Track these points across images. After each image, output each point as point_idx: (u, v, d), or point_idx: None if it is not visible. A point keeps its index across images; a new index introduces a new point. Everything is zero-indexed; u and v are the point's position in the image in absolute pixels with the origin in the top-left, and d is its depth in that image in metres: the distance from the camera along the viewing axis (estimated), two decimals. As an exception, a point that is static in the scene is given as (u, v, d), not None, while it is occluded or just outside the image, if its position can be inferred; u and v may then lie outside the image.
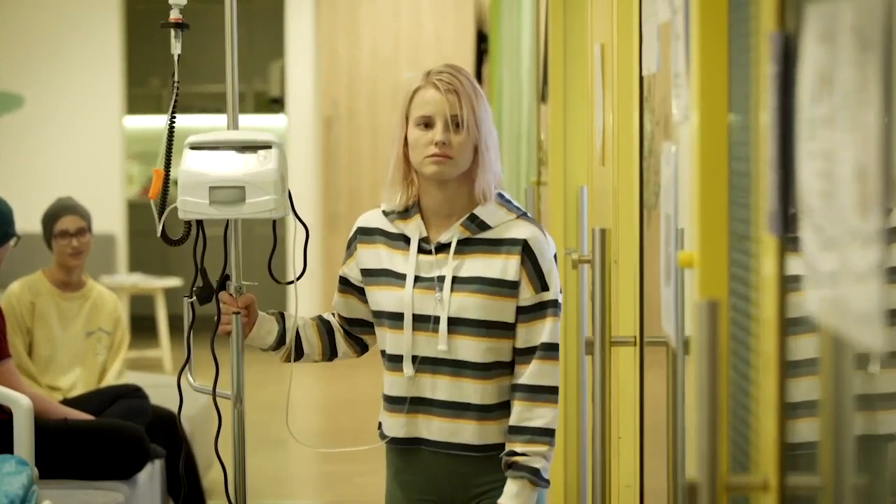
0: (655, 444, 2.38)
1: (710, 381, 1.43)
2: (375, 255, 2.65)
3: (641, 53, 2.41)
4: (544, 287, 2.57)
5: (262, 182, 2.64)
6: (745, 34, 1.58)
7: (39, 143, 9.28)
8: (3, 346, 4.11)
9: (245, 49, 11.20)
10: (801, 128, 1.27)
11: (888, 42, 1.06)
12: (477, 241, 2.58)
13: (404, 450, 2.63)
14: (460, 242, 2.58)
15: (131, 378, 4.95)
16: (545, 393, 2.56)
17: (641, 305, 2.55)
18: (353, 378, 7.94)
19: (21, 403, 3.55)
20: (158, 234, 2.70)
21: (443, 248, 2.59)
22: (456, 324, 2.56)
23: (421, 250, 2.60)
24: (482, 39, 9.22)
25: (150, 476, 4.51)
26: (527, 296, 2.56)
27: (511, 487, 2.53)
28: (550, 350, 2.57)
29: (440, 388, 2.57)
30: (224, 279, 2.70)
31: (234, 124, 2.77)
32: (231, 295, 2.70)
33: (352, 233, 2.71)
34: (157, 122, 10.49)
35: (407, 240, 2.62)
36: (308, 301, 8.94)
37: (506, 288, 2.56)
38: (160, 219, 2.68)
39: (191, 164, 2.65)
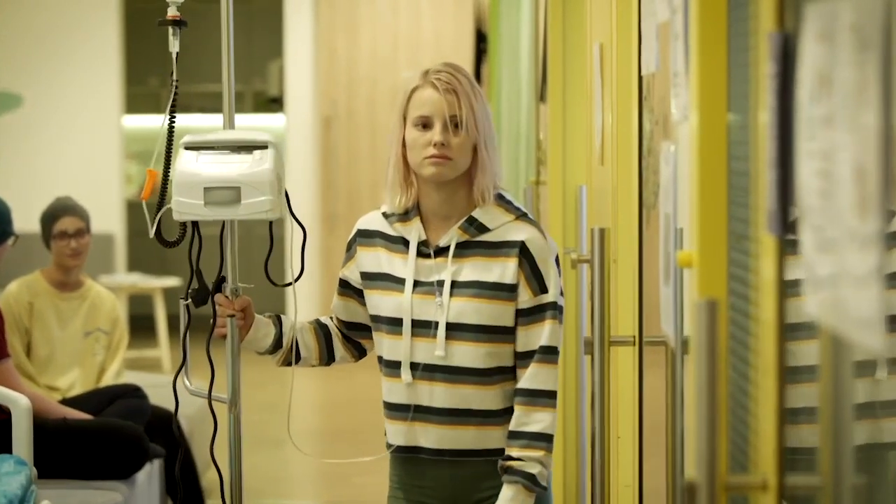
0: (654, 444, 2.37)
1: (708, 381, 1.43)
2: (375, 259, 2.60)
3: (640, 53, 2.40)
4: (542, 289, 2.52)
5: (257, 183, 2.60)
6: (744, 34, 1.58)
7: (38, 142, 9.28)
8: (1, 346, 4.11)
9: (244, 48, 11.19)
10: (801, 127, 1.26)
11: (887, 41, 1.06)
12: (476, 244, 2.54)
13: (406, 458, 2.59)
14: (459, 245, 2.54)
15: (130, 378, 4.95)
16: (543, 397, 2.51)
17: (640, 305, 2.55)
18: (353, 378, 7.93)
19: (20, 403, 3.55)
20: (151, 235, 2.66)
21: (441, 251, 2.55)
22: (455, 329, 2.51)
23: (420, 254, 2.55)
24: (481, 39, 9.22)
25: (149, 476, 4.51)
26: (525, 298, 2.52)
27: (506, 492, 2.49)
28: (548, 353, 2.52)
29: (438, 395, 2.53)
30: (220, 281, 2.67)
31: (229, 124, 2.74)
32: (227, 297, 2.66)
33: (352, 235, 2.67)
34: (155, 122, 10.48)
35: (406, 243, 2.57)
36: (307, 302, 8.93)
37: (504, 291, 2.51)
38: (156, 219, 2.64)
39: (185, 165, 2.62)
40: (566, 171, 4.21)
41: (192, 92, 10.57)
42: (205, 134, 2.66)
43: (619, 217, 2.78)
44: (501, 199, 2.57)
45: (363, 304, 2.65)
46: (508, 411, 2.54)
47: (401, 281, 2.55)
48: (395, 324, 2.55)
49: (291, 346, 2.66)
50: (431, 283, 2.53)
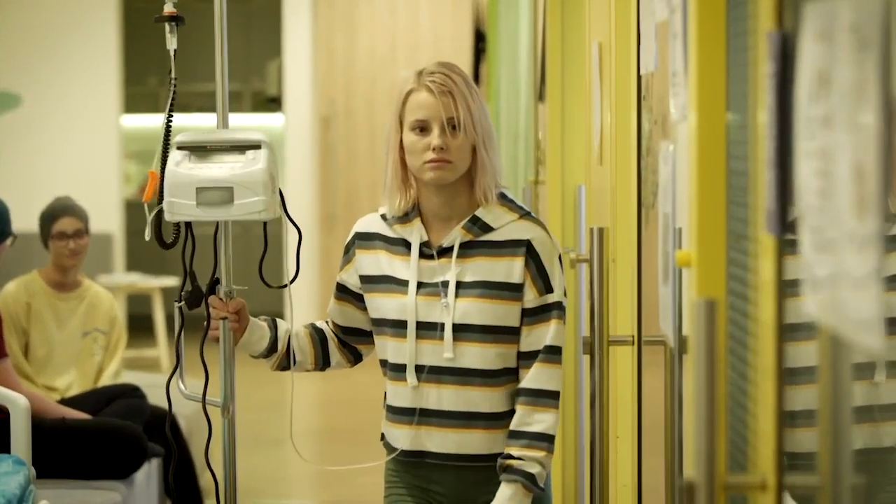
0: (653, 444, 2.37)
1: (707, 381, 1.43)
2: (375, 261, 2.57)
3: (639, 52, 2.40)
4: (548, 289, 2.49)
5: (250, 183, 2.56)
6: (743, 33, 1.58)
7: (37, 142, 9.28)
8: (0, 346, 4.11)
9: (242, 48, 11.20)
10: (799, 127, 1.26)
11: (886, 41, 1.05)
12: (480, 243, 2.51)
13: (412, 462, 2.56)
14: (463, 246, 2.51)
15: (129, 378, 4.95)
16: (546, 397, 2.49)
17: (639, 305, 2.55)
18: (352, 377, 7.92)
19: (18, 403, 3.55)
20: (147, 237, 2.61)
21: (445, 252, 2.52)
22: (461, 330, 2.48)
23: (422, 255, 2.52)
24: (480, 38, 9.22)
25: (148, 476, 4.51)
26: (530, 298, 2.49)
27: (504, 491, 2.46)
28: (553, 353, 2.49)
29: (445, 397, 2.50)
30: (214, 283, 2.63)
31: (223, 123, 2.70)
32: (221, 299, 2.62)
33: (349, 238, 2.63)
34: (154, 121, 10.48)
35: (407, 245, 2.54)
36: (305, 304, 8.93)
37: (511, 291, 2.49)
38: (150, 220, 2.60)
39: (177, 165, 2.59)
40: (565, 171, 4.21)
41: (192, 91, 10.56)
42: (198, 133, 2.63)
43: (617, 217, 2.78)
44: (504, 198, 2.55)
45: (361, 308, 2.62)
46: (513, 413, 2.51)
47: (403, 283, 2.52)
48: (399, 326, 2.52)
49: (287, 350, 2.63)
50: (435, 285, 2.51)
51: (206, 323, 2.63)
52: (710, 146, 1.64)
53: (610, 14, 2.83)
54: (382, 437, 2.62)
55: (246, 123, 10.85)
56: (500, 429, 2.51)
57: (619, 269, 2.78)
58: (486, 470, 2.52)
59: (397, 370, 2.53)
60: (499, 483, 2.50)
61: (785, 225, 1.37)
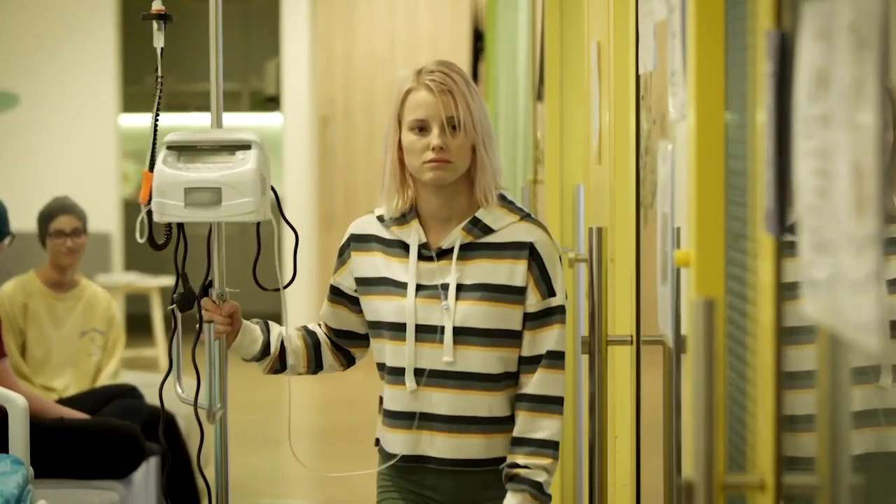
0: (652, 443, 2.37)
1: (706, 380, 1.42)
2: (371, 263, 2.53)
3: (638, 51, 2.40)
4: (551, 293, 2.47)
5: (238, 183, 2.52)
6: (741, 32, 1.57)
7: (35, 141, 9.27)
8: (-2, 346, 4.10)
9: (241, 47, 11.19)
10: (798, 126, 1.26)
11: (885, 40, 1.05)
12: (480, 245, 2.47)
13: (407, 467, 2.53)
14: (463, 247, 2.47)
15: (127, 377, 4.94)
16: (550, 403, 2.46)
17: (638, 304, 2.55)
18: (350, 378, 7.91)
19: (16, 402, 3.55)
20: (138, 238, 2.56)
21: (444, 254, 2.48)
22: (461, 334, 2.45)
23: (421, 257, 2.48)
24: (478, 38, 9.22)
25: (146, 475, 4.51)
26: (532, 301, 2.46)
27: (511, 501, 2.43)
28: (556, 359, 2.46)
29: (444, 401, 2.46)
30: (207, 285, 2.60)
31: (217, 123, 2.67)
32: (214, 301, 2.58)
33: (344, 240, 2.59)
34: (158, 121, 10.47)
35: (405, 246, 2.50)
36: (303, 304, 8.92)
37: (513, 294, 2.45)
38: (139, 221, 2.57)
39: (166, 165, 2.56)
40: (564, 171, 4.21)
41: (190, 91, 10.56)
42: (188, 133, 2.60)
43: (616, 216, 2.77)
44: (504, 200, 2.51)
45: (355, 311, 2.59)
46: (513, 418, 2.48)
47: (402, 285, 2.48)
48: (397, 329, 2.48)
49: (279, 353, 2.60)
50: (435, 287, 2.47)
51: (198, 326, 2.60)
52: (708, 145, 1.64)
53: (608, 13, 2.83)
54: (377, 441, 2.58)
55: (244, 123, 10.85)
56: (500, 433, 2.48)
57: (618, 268, 2.78)
58: (485, 474, 2.49)
59: (395, 374, 2.50)
60: (496, 487, 2.47)
61: (784, 224, 1.36)
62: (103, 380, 4.71)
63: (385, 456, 2.55)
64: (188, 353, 2.65)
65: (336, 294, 2.61)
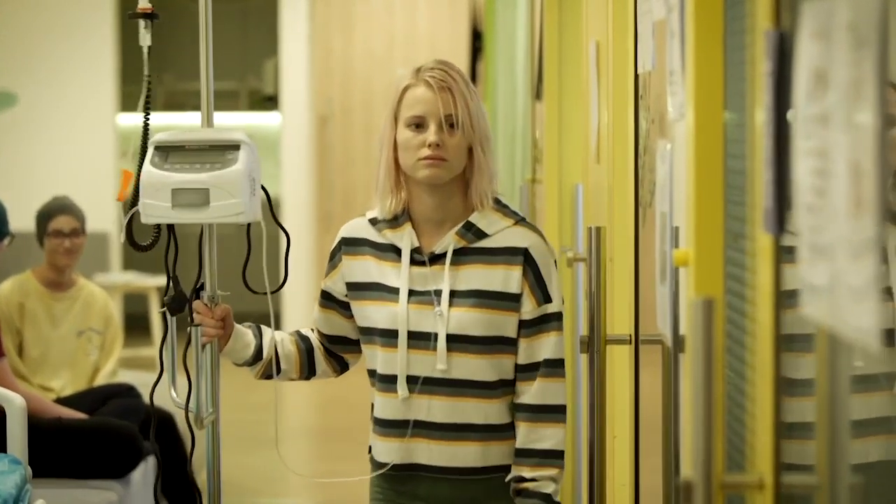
0: (651, 443, 2.37)
1: (704, 380, 1.42)
2: (363, 268, 2.46)
3: (637, 51, 2.40)
4: (547, 299, 2.39)
5: (227, 184, 2.46)
6: (740, 31, 1.57)
7: (33, 141, 9.27)
8: (-4, 345, 4.10)
9: (239, 46, 11.19)
10: (797, 125, 1.26)
11: (883, 39, 1.05)
12: (474, 250, 2.41)
13: (400, 476, 2.45)
14: (456, 252, 2.40)
15: (125, 377, 4.94)
16: (551, 412, 2.39)
17: (636, 304, 2.55)
18: (347, 377, 7.91)
19: (14, 402, 3.54)
20: (121, 238, 2.51)
21: (437, 258, 2.41)
22: (455, 341, 2.38)
23: (413, 262, 2.41)
24: (477, 37, 9.22)
25: (144, 475, 4.50)
26: (528, 308, 2.39)
27: None
28: (555, 367, 2.39)
29: (437, 409, 2.39)
30: (199, 288, 2.54)
31: (208, 122, 2.61)
32: (206, 304, 2.52)
33: (334, 244, 2.53)
34: (150, 120, 10.48)
35: (397, 250, 2.43)
36: (301, 306, 8.91)
37: (508, 301, 2.38)
38: (126, 221, 2.52)
39: (154, 165, 2.51)
40: (562, 170, 4.21)
41: (189, 90, 10.56)
42: (176, 133, 2.55)
43: (615, 215, 2.77)
44: (498, 204, 2.44)
45: (346, 316, 2.52)
46: (511, 426, 2.42)
47: (394, 290, 2.42)
48: (389, 336, 2.41)
49: (271, 358, 2.53)
50: (428, 293, 2.40)
51: (188, 330, 2.53)
52: (707, 145, 1.64)
53: (607, 13, 2.83)
54: (370, 449, 2.52)
55: (242, 122, 10.85)
56: (495, 441, 2.42)
57: (617, 268, 2.78)
58: (481, 483, 2.43)
59: (387, 381, 2.43)
60: (493, 496, 2.42)
61: (782, 224, 1.36)
62: (101, 379, 4.70)
63: (376, 465, 2.49)
64: (181, 355, 2.59)
65: (327, 299, 2.54)
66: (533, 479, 2.38)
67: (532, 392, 2.40)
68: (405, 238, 2.43)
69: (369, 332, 2.45)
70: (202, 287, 2.55)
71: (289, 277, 2.69)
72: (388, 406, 2.43)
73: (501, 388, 2.41)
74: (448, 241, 2.41)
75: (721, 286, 1.63)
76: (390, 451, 2.44)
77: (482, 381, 2.40)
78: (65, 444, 4.24)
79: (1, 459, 3.43)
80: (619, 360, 2.75)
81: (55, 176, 9.07)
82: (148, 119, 2.64)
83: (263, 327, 2.55)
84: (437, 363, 2.38)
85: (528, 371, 2.40)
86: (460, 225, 2.42)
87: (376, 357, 2.44)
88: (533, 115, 5.01)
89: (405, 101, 2.41)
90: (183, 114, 10.15)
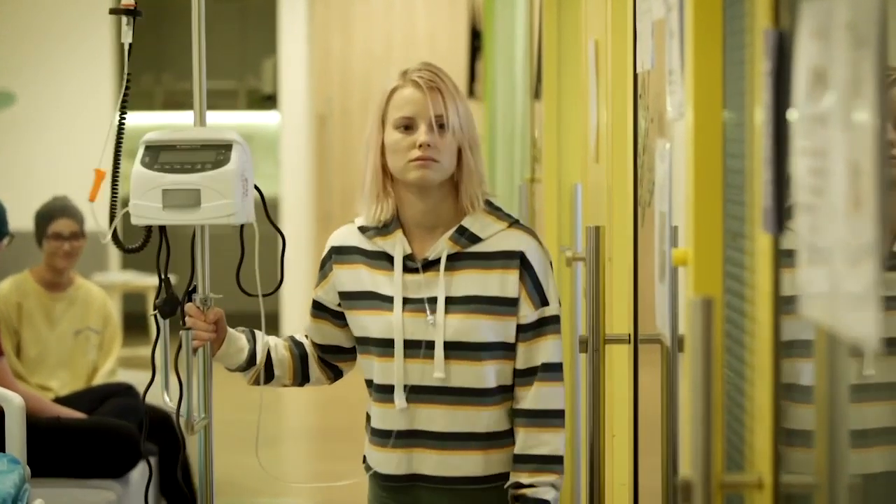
0: (650, 443, 2.37)
1: (703, 379, 1.42)
2: (355, 277, 2.42)
3: (636, 50, 2.40)
4: (544, 302, 2.36)
5: (218, 185, 2.41)
6: (739, 31, 1.57)
7: (31, 140, 9.27)
8: (-5, 345, 4.10)
9: (238, 45, 11.19)
10: (796, 125, 1.26)
11: (882, 38, 1.05)
12: (468, 255, 2.36)
13: (398, 487, 2.41)
14: (449, 258, 2.35)
15: (124, 376, 4.94)
16: (550, 417, 2.36)
17: (635, 303, 2.55)
18: (348, 376, 7.93)
19: (13, 402, 3.54)
20: (107, 238, 2.52)
21: (430, 265, 2.36)
22: (452, 348, 2.33)
23: (406, 269, 2.36)
24: (476, 36, 9.21)
25: (143, 474, 4.50)
26: (526, 312, 2.35)
27: None
28: (553, 371, 2.36)
29: (437, 418, 2.35)
30: (191, 291, 2.50)
31: (201, 121, 2.58)
32: (198, 307, 2.48)
33: (324, 253, 2.48)
34: (149, 119, 10.46)
35: (389, 258, 2.38)
36: (299, 306, 8.89)
37: (505, 306, 2.34)
38: (111, 223, 2.47)
39: (144, 165, 2.47)
40: (561, 169, 4.20)
41: (189, 90, 10.55)
42: (167, 132, 2.50)
43: (614, 215, 2.77)
44: (490, 206, 2.39)
45: (339, 326, 2.47)
46: (512, 433, 2.39)
47: (388, 299, 2.37)
48: (385, 345, 2.36)
49: (264, 364, 2.48)
50: (421, 300, 2.35)
51: (180, 333, 2.49)
52: (706, 144, 1.64)
53: (606, 12, 2.83)
54: (364, 459, 2.48)
55: (240, 122, 10.85)
56: (498, 448, 2.38)
57: (616, 267, 2.78)
58: (483, 492, 2.39)
59: (384, 391, 2.39)
60: None
61: (782, 223, 1.36)
62: (100, 378, 4.70)
63: (372, 475, 2.45)
64: (174, 358, 2.53)
65: (318, 309, 2.50)
66: (531, 486, 2.35)
67: (530, 397, 2.36)
68: (397, 245, 2.38)
69: (365, 342, 2.41)
70: (195, 289, 2.51)
71: (287, 278, 2.66)
72: (386, 416, 2.39)
73: (501, 394, 2.38)
74: (441, 247, 2.36)
75: (720, 286, 1.63)
76: (389, 461, 2.40)
77: (481, 388, 2.36)
78: (63, 444, 4.24)
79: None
80: (618, 359, 2.75)
81: (54, 175, 9.07)
82: (124, 118, 2.58)
83: (257, 332, 2.51)
84: (435, 371, 2.34)
85: (527, 376, 2.37)
86: (453, 230, 2.37)
87: (373, 367, 2.40)
88: (532, 114, 5.01)
89: (393, 103, 2.36)
90: (182, 113, 10.16)
